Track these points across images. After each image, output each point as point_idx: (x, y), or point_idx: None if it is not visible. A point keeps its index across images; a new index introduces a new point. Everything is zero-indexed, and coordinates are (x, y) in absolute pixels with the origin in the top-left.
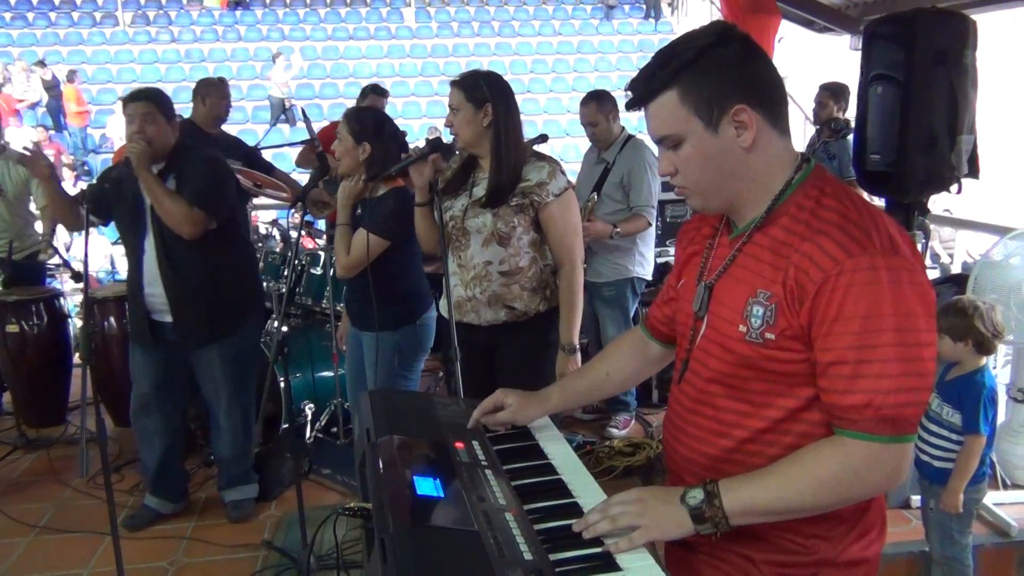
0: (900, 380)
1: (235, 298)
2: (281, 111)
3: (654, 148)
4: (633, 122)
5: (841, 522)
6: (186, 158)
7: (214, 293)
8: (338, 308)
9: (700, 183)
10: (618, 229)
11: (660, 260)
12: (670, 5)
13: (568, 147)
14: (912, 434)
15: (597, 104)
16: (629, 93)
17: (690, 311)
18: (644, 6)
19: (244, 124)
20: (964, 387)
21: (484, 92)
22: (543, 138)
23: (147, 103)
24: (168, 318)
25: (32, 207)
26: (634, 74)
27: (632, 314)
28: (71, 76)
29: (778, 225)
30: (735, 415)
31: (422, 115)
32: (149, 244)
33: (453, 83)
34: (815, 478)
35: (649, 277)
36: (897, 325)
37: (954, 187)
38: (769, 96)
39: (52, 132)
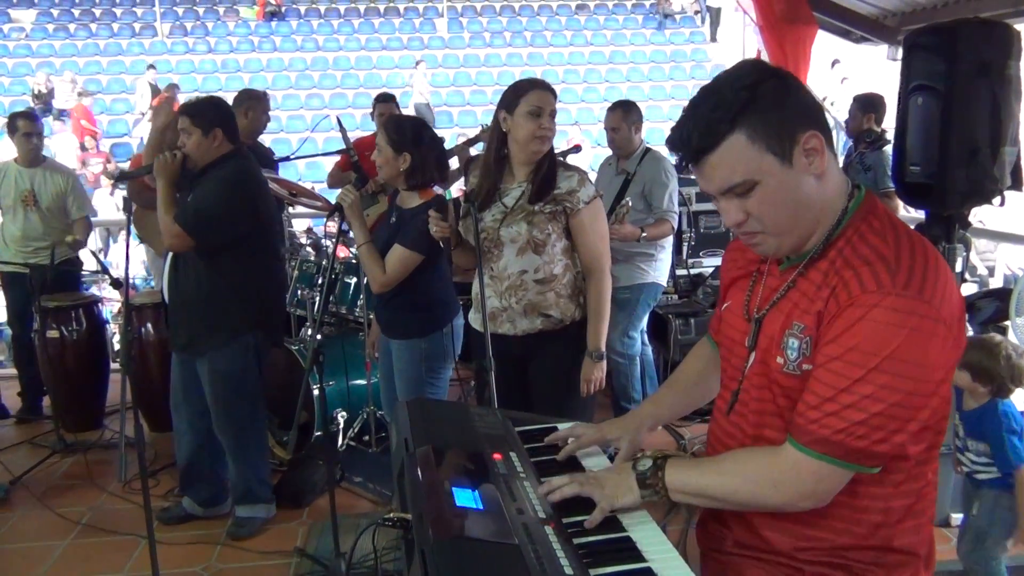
0: (855, 415)
1: (225, 313)
2: (430, 118)
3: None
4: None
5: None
6: (210, 175)
7: (203, 303)
8: (371, 316)
9: (778, 223)
10: (644, 233)
11: (695, 271)
12: (697, 15)
13: (599, 158)
14: (856, 465)
15: (623, 112)
16: (676, 154)
17: (735, 337)
18: (699, 17)
19: (278, 134)
20: (983, 420)
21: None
22: (577, 148)
23: (184, 117)
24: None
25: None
26: (667, 84)
27: (642, 322)
28: (171, 88)
29: (827, 259)
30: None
31: (453, 124)
32: None
33: (551, 89)
34: (741, 472)
35: (665, 283)
36: (876, 365)
37: (996, 199)
38: (823, 120)
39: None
